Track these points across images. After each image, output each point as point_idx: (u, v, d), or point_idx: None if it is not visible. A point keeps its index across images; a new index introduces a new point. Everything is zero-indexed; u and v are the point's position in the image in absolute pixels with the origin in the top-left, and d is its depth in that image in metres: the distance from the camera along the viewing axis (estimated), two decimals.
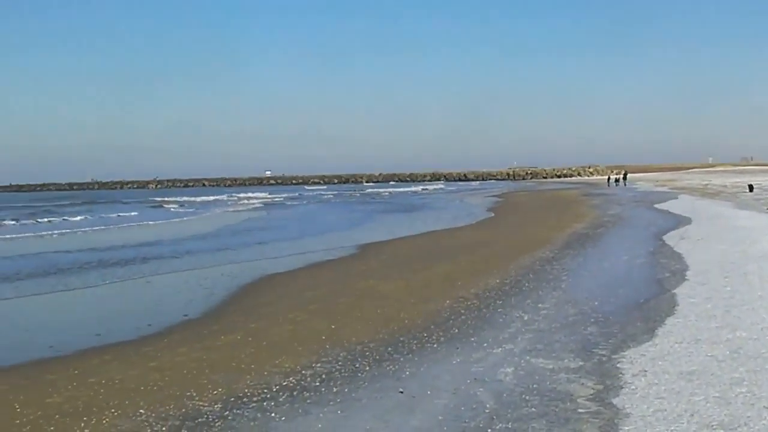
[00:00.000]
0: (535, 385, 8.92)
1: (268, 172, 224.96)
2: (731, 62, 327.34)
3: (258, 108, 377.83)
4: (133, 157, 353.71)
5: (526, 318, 12.98)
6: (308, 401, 8.62)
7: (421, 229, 35.35)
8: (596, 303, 14.08)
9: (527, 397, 8.42)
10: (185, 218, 55.14)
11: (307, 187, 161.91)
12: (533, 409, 8.03)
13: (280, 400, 8.70)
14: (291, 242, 31.26)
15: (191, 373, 10.08)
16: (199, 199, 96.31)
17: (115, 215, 58.66)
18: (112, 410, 8.50)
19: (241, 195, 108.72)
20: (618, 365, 9.73)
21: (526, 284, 16.64)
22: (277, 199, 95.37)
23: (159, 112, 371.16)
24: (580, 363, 9.91)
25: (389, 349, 11.11)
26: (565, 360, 10.09)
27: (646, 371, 9.35)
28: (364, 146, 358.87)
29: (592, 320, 12.60)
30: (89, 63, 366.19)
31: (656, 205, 44.66)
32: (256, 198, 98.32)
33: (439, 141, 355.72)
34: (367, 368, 10.09)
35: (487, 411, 8.03)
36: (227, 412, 8.36)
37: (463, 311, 13.89)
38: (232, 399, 8.80)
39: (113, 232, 41.45)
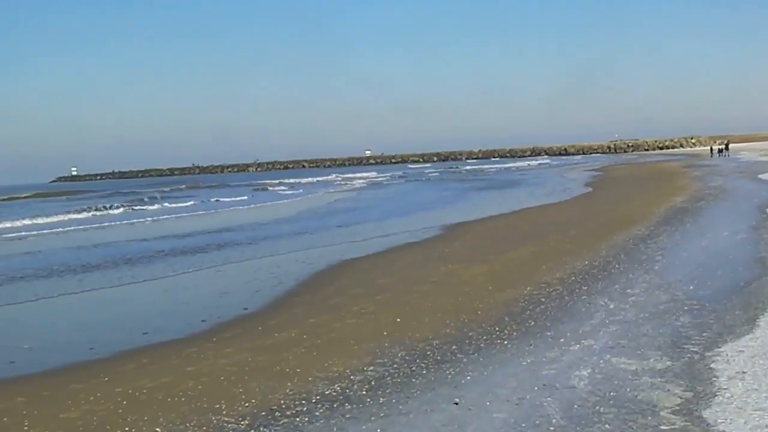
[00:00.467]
0: (612, 393, 7.63)
1: (368, 152, 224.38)
2: None
3: (356, 87, 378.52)
4: (233, 141, 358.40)
5: (612, 306, 11.63)
6: (347, 415, 7.52)
7: (514, 207, 33.98)
8: (691, 287, 12.63)
9: (601, 409, 7.15)
10: (295, 199, 56.30)
11: (410, 166, 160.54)
12: (606, 426, 6.68)
13: (317, 414, 7.63)
14: (378, 223, 30.61)
15: (228, 380, 9.08)
16: (304, 180, 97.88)
17: (228, 199, 59.28)
18: (126, 428, 7.43)
19: (348, 175, 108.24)
20: (712, 365, 8.37)
21: (616, 266, 15.26)
22: (380, 179, 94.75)
23: (259, 96, 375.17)
24: (668, 363, 8.56)
25: (453, 347, 9.93)
26: (651, 359, 8.75)
27: (744, 372, 7.98)
28: (464, 123, 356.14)
29: (686, 308, 11.19)
30: (190, 48, 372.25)
31: (760, 176, 42.18)
32: (362, 178, 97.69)
33: (540, 116, 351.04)
34: (424, 372, 8.93)
35: (551, 429, 6.68)
36: (252, 431, 7.19)
37: (543, 299, 12.61)
38: (263, 413, 7.78)
39: (218, 216, 40.98)
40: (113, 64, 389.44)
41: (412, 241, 22.86)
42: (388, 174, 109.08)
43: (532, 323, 11.05)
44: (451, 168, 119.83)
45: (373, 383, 8.68)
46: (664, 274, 14.18)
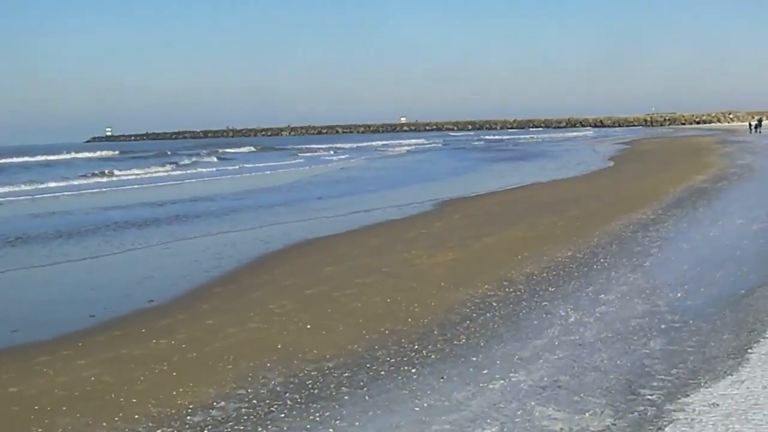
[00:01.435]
0: None
1: (403, 119, 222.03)
2: None
3: (392, 54, 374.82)
4: (267, 105, 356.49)
5: (572, 320, 9.23)
6: None
7: (525, 181, 31.80)
8: (679, 295, 10.21)
9: None
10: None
11: (451, 134, 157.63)
12: None
13: None
14: (372, 194, 28.91)
15: (39, 411, 6.73)
16: (347, 145, 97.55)
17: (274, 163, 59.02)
18: None
19: (388, 141, 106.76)
20: (667, 429, 5.74)
21: (601, 260, 12.91)
22: (424, 144, 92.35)
23: (294, 60, 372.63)
24: (608, 421, 6.06)
25: (346, 374, 7.74)
26: (588, 413, 6.34)
27: None
28: (500, 93, 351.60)
29: (663, 327, 8.76)
30: (226, 10, 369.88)
31: None
32: (406, 144, 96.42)
33: (578, 87, 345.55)
34: (283, 415, 6.52)
35: None
36: None
37: (495, 304, 10.30)
38: None
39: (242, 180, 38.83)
40: (149, 25, 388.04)
41: (394, 218, 20.61)
42: (429, 141, 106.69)
43: (463, 341, 8.65)
44: (485, 137, 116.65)
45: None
46: (652, 273, 11.76)
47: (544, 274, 12.08)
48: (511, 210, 21.08)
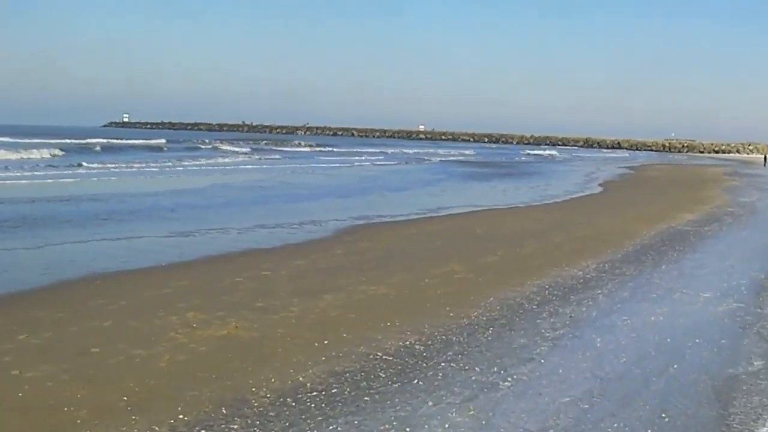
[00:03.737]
0: None
1: (422, 126, 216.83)
2: None
3: (413, 59, 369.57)
4: (283, 102, 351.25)
5: None
6: None
7: (484, 204, 26.73)
8: None
9: None
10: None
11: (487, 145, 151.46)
12: None
13: None
14: (291, 206, 23.58)
15: None
16: (393, 150, 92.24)
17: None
18: None
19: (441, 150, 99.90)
20: None
21: (434, 367, 7.22)
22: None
23: (315, 59, 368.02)
24: None
25: None
26: None
27: None
28: (520, 107, 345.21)
29: None
30: (246, 4, 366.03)
31: None
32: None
33: (597, 107, 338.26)
34: None
35: None
36: None
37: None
38: None
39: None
40: (170, 15, 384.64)
41: (262, 247, 15.25)
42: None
43: None
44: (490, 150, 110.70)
45: None
46: (499, 408, 6.15)
47: (328, 390, 6.47)
48: (415, 247, 15.89)
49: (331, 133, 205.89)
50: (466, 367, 7.68)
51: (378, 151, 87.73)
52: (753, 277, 12.99)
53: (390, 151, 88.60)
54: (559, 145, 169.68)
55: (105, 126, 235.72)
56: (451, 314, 9.95)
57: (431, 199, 27.94)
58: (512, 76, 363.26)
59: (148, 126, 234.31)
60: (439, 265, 13.49)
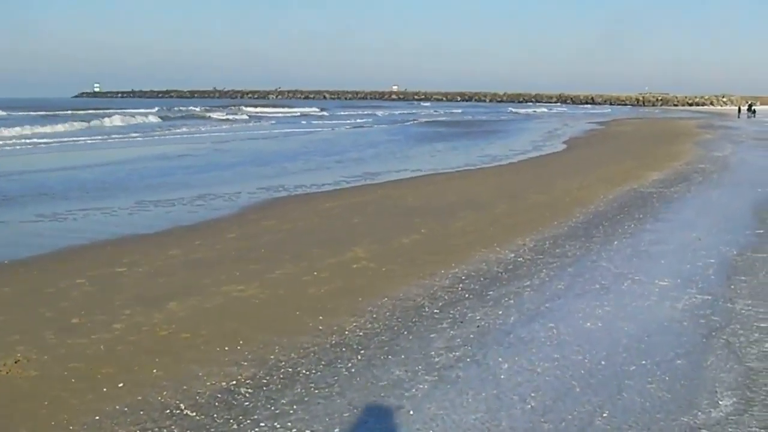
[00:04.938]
0: None
1: (395, 87, 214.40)
2: None
3: (386, 23, 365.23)
4: (254, 67, 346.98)
5: None
6: None
7: (434, 167, 24.20)
8: None
9: None
10: None
11: (423, 104, 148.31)
12: None
13: None
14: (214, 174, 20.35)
15: None
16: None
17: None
18: None
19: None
20: None
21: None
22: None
23: (285, 24, 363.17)
24: None
25: None
26: None
27: None
28: (493, 64, 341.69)
29: None
30: None
31: None
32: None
33: (571, 62, 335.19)
34: None
35: None
36: None
37: None
38: None
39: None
40: None
41: (146, 231, 12.84)
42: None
43: None
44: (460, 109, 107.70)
45: None
46: None
47: None
48: (325, 226, 13.50)
49: (303, 96, 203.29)
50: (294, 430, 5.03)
51: (368, 113, 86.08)
52: (723, 255, 10.47)
53: (380, 113, 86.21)
54: (533, 102, 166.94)
55: (76, 97, 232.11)
56: (320, 327, 7.34)
57: (371, 164, 25.22)
58: (486, 33, 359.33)
59: (120, 95, 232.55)
60: (340, 251, 10.93)
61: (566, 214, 13.94)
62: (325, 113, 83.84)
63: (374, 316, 7.84)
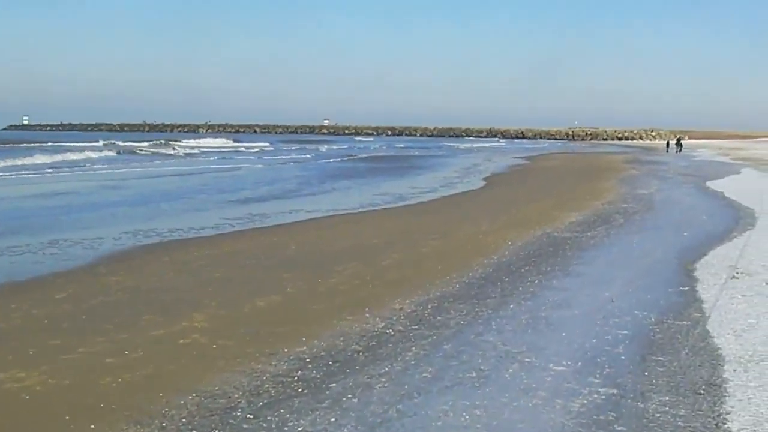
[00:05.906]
0: None
1: (326, 121, 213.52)
2: None
3: (316, 55, 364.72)
4: (184, 101, 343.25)
5: None
6: None
7: (334, 208, 22.18)
8: None
9: None
10: None
11: (363, 139, 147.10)
12: None
13: None
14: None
15: None
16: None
17: None
18: None
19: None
20: None
21: None
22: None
23: (216, 56, 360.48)
24: None
25: None
26: None
27: None
28: (425, 100, 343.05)
29: None
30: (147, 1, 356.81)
31: (709, 183, 30.01)
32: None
33: (501, 97, 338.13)
34: None
35: None
36: None
37: None
38: None
39: None
40: (69, 14, 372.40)
41: None
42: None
43: None
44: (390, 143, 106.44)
45: None
46: None
47: None
48: (176, 283, 11.71)
49: (233, 130, 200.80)
50: None
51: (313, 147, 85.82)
52: (639, 323, 8.50)
53: (324, 148, 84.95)
54: (463, 135, 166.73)
55: (4, 129, 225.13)
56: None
57: (266, 204, 22.94)
58: (415, 70, 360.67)
59: (49, 128, 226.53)
60: (176, 318, 8.83)
61: (463, 267, 11.98)
62: (271, 148, 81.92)
63: (164, 425, 5.58)
